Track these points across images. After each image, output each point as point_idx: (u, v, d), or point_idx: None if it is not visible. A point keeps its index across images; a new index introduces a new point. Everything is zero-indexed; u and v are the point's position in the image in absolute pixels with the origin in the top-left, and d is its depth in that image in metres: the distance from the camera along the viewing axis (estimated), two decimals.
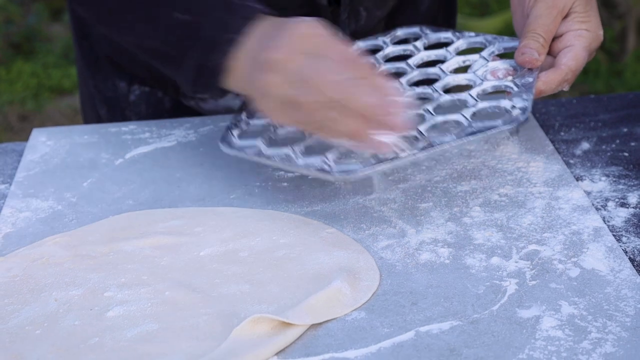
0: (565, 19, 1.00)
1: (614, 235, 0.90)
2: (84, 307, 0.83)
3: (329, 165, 0.90)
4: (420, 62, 1.05)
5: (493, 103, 0.94)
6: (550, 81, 0.96)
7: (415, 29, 1.11)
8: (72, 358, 0.77)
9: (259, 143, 0.94)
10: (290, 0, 1.12)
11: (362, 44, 1.10)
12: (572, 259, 0.86)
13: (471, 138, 0.89)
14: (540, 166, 1.01)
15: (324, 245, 0.90)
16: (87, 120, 1.28)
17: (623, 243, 0.89)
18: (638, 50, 3.39)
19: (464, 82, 1.00)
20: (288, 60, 0.88)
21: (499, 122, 0.90)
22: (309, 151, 0.93)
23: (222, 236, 0.92)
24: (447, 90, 0.99)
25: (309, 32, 0.90)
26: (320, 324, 0.80)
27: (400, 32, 1.11)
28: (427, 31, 1.10)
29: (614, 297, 0.81)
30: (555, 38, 1.00)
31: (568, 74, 0.97)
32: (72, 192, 1.01)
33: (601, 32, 1.01)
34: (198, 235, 0.92)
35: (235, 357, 0.76)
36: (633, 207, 0.94)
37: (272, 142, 0.95)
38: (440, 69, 1.01)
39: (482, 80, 0.98)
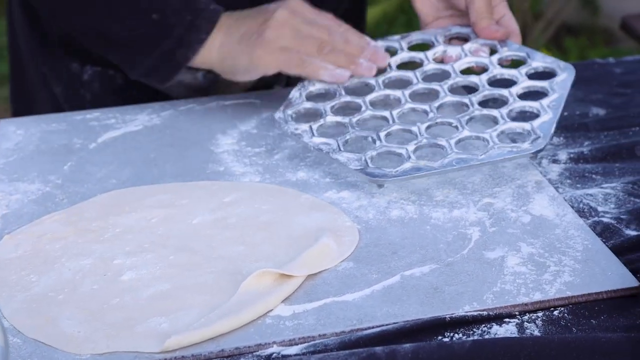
0: None
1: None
2: (97, 274, 0.91)
3: (367, 165, 1.02)
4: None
5: (519, 126, 1.04)
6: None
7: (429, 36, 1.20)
8: (99, 317, 0.85)
9: (307, 129, 1.08)
10: None
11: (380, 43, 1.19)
12: (522, 208, 0.99)
13: (493, 160, 1.00)
14: None
15: (303, 209, 1.00)
16: (38, 101, 1.34)
17: (560, 193, 1.02)
18: None
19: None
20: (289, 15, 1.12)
21: (525, 144, 1.01)
22: (349, 145, 1.06)
23: (208, 206, 1.01)
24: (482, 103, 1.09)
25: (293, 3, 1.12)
26: (316, 274, 0.90)
27: (416, 37, 1.19)
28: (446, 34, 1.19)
29: (563, 236, 0.94)
30: None
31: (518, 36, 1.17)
32: (55, 175, 1.08)
33: None
34: (186, 207, 1.01)
35: (249, 305, 0.85)
36: (564, 163, 1.08)
37: (320, 130, 1.08)
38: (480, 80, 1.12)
39: (514, 99, 1.08)
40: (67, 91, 1.30)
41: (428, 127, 1.06)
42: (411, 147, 1.03)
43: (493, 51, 1.15)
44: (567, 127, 1.16)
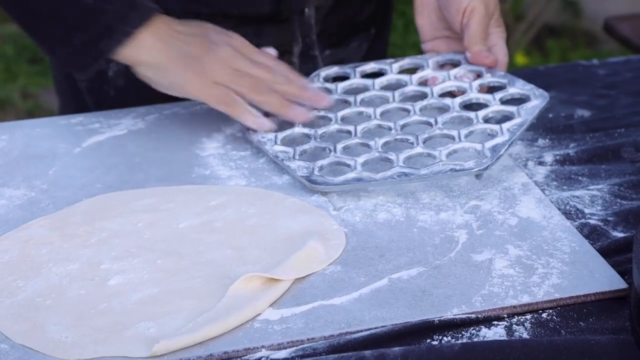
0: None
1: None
2: (84, 279, 0.90)
3: (312, 173, 1.03)
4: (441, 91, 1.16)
5: (470, 145, 1.05)
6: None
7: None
8: (87, 322, 0.85)
9: (272, 138, 1.11)
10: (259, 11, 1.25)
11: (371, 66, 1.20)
12: (509, 210, 0.99)
13: (433, 176, 1.01)
14: None
15: (290, 212, 1.00)
16: (65, 96, 1.35)
17: (547, 195, 1.02)
18: None
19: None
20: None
21: (470, 163, 1.01)
22: (306, 154, 1.08)
23: (194, 210, 1.00)
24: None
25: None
26: (303, 278, 0.90)
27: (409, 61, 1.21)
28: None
29: (550, 239, 0.94)
30: None
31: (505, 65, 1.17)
32: (40, 180, 1.07)
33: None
34: (172, 211, 1.01)
35: (237, 309, 0.85)
36: (550, 165, 1.08)
37: (284, 140, 1.10)
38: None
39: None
40: (91, 87, 1.30)
41: (385, 143, 1.07)
42: (361, 159, 1.04)
43: (479, 77, 1.17)
44: (553, 129, 1.16)
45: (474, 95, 1.13)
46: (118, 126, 1.18)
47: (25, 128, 1.18)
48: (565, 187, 1.04)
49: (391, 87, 1.18)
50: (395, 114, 1.13)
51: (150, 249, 0.94)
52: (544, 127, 1.16)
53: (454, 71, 1.17)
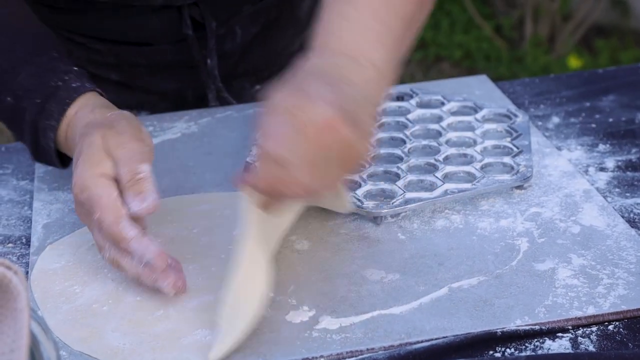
0: None
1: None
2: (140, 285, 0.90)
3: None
4: (417, 118, 1.15)
5: (498, 159, 1.05)
6: None
7: (405, 89, 1.20)
8: (144, 328, 0.84)
9: None
10: (155, 32, 1.20)
11: None
12: (571, 218, 0.97)
13: (485, 187, 1.00)
14: None
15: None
16: None
17: (609, 202, 1.00)
18: (535, 36, 3.56)
19: (466, 139, 1.10)
20: None
21: (507, 176, 1.01)
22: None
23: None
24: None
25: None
26: (361, 285, 0.89)
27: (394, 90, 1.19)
28: (417, 91, 1.19)
29: (615, 248, 0.92)
30: None
31: None
32: None
33: None
34: (228, 218, 0.99)
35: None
36: (611, 171, 1.06)
37: None
38: (441, 126, 1.12)
39: (483, 139, 1.09)
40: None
41: (410, 167, 1.05)
42: (401, 183, 1.02)
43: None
44: (614, 133, 1.13)
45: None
46: (171, 129, 1.17)
47: None
48: (628, 194, 1.02)
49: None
50: (388, 143, 1.10)
51: (205, 256, 0.93)
52: (604, 132, 1.14)
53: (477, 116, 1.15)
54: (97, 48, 1.21)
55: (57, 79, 0.99)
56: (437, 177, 1.02)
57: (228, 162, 1.10)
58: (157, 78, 1.24)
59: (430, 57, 3.59)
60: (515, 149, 1.07)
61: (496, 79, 3.54)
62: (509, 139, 1.09)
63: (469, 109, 1.16)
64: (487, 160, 1.05)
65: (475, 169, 1.03)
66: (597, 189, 1.02)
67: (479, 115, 1.14)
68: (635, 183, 1.03)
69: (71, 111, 0.98)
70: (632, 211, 0.98)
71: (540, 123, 1.17)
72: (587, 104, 1.21)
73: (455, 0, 3.73)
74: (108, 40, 1.21)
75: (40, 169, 1.10)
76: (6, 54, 1.03)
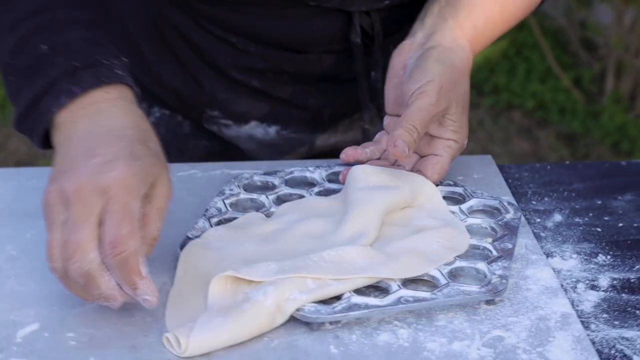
0: (439, 121, 1.00)
1: (582, 321, 0.85)
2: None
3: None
4: None
5: (471, 264, 0.90)
6: None
7: None
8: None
9: None
10: (319, 36, 1.13)
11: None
12: (537, 349, 0.81)
13: (447, 300, 0.85)
14: None
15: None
16: None
17: (592, 331, 0.84)
18: (616, 92, 3.37)
19: None
20: None
21: (475, 288, 0.87)
22: None
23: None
24: None
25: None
26: None
27: None
28: None
29: None
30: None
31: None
32: None
33: (466, 142, 1.02)
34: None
35: None
36: (603, 291, 0.90)
37: None
38: None
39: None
40: None
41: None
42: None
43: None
44: (619, 243, 0.97)
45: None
46: None
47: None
48: (616, 323, 0.86)
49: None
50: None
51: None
52: (609, 239, 0.98)
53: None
54: (247, 50, 1.15)
55: (106, 57, 0.90)
56: (394, 279, 0.87)
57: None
58: (300, 89, 1.17)
59: (501, 103, 3.42)
60: (494, 252, 0.92)
61: (568, 134, 3.37)
62: (490, 240, 0.94)
63: (457, 197, 1.01)
64: (458, 264, 0.90)
65: (442, 273, 0.89)
66: (581, 312, 0.87)
67: (464, 206, 0.99)
68: (629, 309, 0.87)
69: (100, 93, 0.88)
70: (614, 346, 0.82)
71: (538, 220, 1.02)
72: (599, 202, 1.05)
73: (535, 47, 3.55)
74: (262, 42, 1.14)
75: None
76: (69, 10, 0.93)
